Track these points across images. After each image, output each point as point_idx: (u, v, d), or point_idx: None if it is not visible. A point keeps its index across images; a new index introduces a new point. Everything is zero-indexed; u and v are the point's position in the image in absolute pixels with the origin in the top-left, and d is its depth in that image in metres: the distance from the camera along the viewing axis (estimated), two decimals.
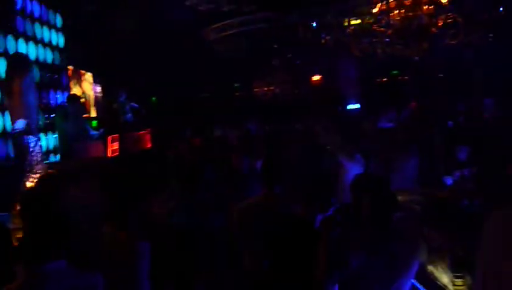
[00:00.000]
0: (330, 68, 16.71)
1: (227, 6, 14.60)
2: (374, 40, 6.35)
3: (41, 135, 7.16)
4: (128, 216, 2.89)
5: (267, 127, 9.58)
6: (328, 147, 5.92)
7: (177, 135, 9.28)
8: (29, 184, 5.29)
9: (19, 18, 7.43)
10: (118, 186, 3.26)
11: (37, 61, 7.85)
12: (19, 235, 2.92)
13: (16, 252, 2.32)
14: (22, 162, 5.59)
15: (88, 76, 10.90)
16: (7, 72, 6.16)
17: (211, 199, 4.14)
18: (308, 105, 16.60)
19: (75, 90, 9.65)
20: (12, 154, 6.20)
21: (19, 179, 5.37)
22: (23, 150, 5.51)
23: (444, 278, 2.98)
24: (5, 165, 6.09)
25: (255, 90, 17.44)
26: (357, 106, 16.09)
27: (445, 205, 4.56)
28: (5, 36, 6.84)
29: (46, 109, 7.94)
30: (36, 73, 7.59)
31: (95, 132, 7.86)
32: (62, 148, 7.45)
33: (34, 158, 5.58)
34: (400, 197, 3.07)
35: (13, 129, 5.70)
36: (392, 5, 5.80)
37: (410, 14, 5.71)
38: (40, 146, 5.84)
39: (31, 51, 7.64)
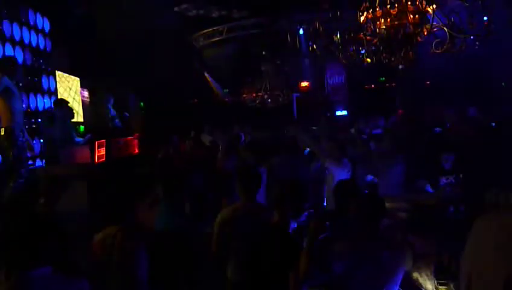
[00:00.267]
0: (318, 74, 16.85)
1: (217, 13, 14.64)
2: (360, 48, 6.40)
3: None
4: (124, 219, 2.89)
5: (253, 134, 9.59)
6: (314, 152, 5.97)
7: (165, 140, 9.23)
8: (13, 188, 5.25)
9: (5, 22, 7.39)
10: (106, 191, 3.25)
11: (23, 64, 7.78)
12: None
13: None
14: (7, 166, 5.55)
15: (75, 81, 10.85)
16: None
17: (197, 205, 4.14)
18: (296, 111, 16.76)
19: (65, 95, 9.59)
20: None
21: (4, 183, 5.33)
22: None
23: (428, 284, 3.01)
24: None
25: (243, 96, 17.47)
26: (345, 112, 16.23)
27: (431, 211, 4.60)
28: None
29: (32, 113, 7.86)
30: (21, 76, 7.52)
31: (80, 139, 7.80)
32: (48, 153, 7.40)
33: (20, 163, 5.55)
34: (386, 204, 3.10)
35: None
36: (379, 14, 5.86)
37: (396, 23, 5.77)
38: (26, 150, 5.79)
39: (17, 54, 7.59)
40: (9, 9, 7.60)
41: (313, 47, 6.59)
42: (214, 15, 14.69)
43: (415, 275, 3.07)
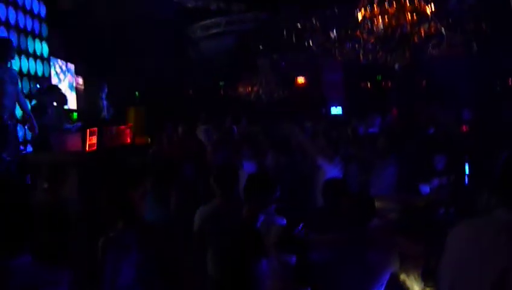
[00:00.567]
0: (314, 71, 16.80)
1: (216, 5, 14.58)
2: (357, 46, 6.38)
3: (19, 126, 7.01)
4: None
5: (247, 128, 9.55)
6: (306, 148, 5.93)
7: (159, 131, 9.15)
8: None
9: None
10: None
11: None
12: None
13: None
14: None
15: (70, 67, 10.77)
16: None
17: (187, 196, 4.10)
18: (291, 106, 16.71)
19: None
20: None
21: None
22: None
23: (415, 287, 2.99)
24: None
25: (239, 89, 17.41)
26: (339, 108, 16.21)
27: (421, 213, 4.58)
28: None
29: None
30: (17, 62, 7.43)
31: (69, 126, 7.70)
32: (39, 139, 7.29)
33: (8, 148, 5.48)
34: (376, 204, 3.08)
35: None
36: (376, 12, 5.83)
37: (393, 22, 5.75)
38: (16, 135, 5.72)
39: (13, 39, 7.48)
40: None
41: (309, 43, 6.56)
42: (212, 7, 14.64)
43: (403, 277, 3.05)
